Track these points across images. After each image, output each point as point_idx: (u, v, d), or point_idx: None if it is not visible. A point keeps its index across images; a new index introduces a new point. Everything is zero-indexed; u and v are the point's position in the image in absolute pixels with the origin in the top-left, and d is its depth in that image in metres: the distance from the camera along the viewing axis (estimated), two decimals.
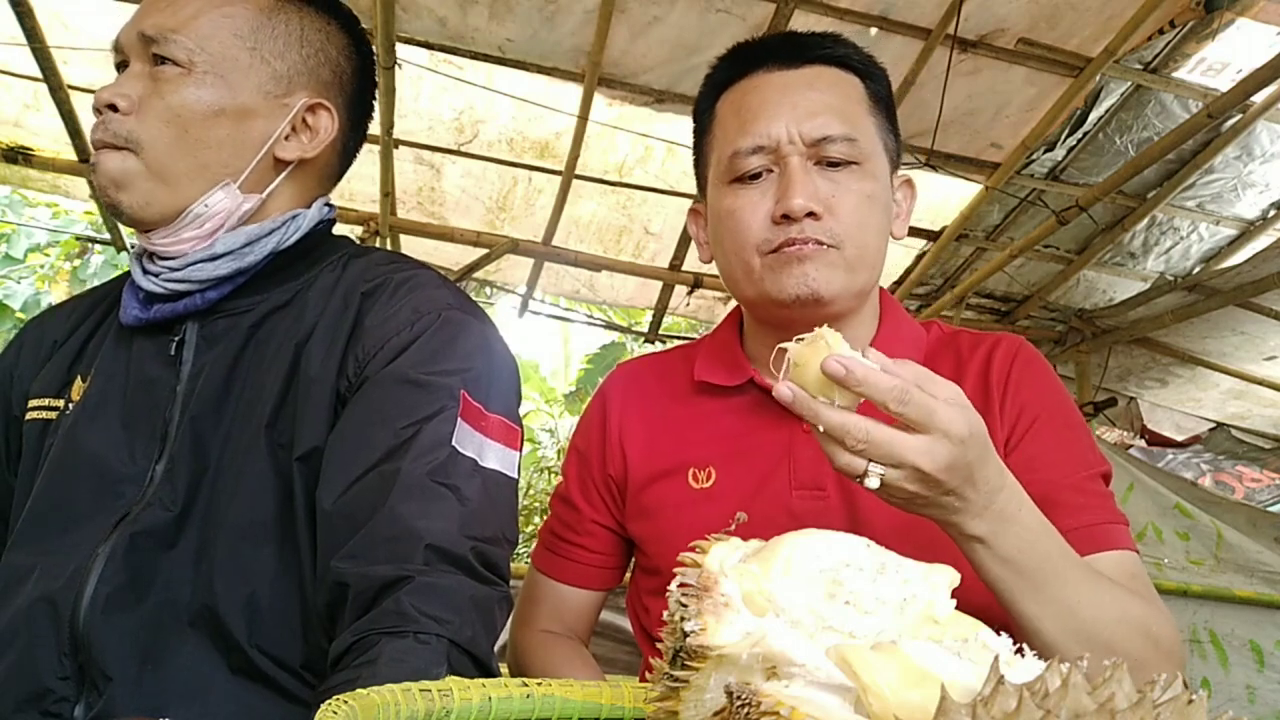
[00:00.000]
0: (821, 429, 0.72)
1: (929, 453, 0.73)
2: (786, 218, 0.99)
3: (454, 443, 0.92)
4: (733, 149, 1.04)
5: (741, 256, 1.04)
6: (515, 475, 0.99)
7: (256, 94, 1.03)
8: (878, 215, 1.04)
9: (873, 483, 0.74)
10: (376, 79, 1.20)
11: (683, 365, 1.21)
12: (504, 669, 1.21)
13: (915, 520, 0.85)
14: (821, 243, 1.00)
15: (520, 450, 1.01)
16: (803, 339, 0.74)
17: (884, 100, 1.10)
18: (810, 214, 0.99)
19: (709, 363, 1.17)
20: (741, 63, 1.09)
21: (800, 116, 1.01)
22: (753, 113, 1.04)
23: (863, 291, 1.06)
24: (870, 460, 0.73)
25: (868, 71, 1.09)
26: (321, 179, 1.13)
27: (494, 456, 0.95)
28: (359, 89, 1.16)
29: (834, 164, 1.02)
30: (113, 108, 0.99)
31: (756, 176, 1.03)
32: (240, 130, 1.02)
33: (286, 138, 1.06)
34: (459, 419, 0.93)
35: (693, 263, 4.24)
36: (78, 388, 1.05)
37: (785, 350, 0.74)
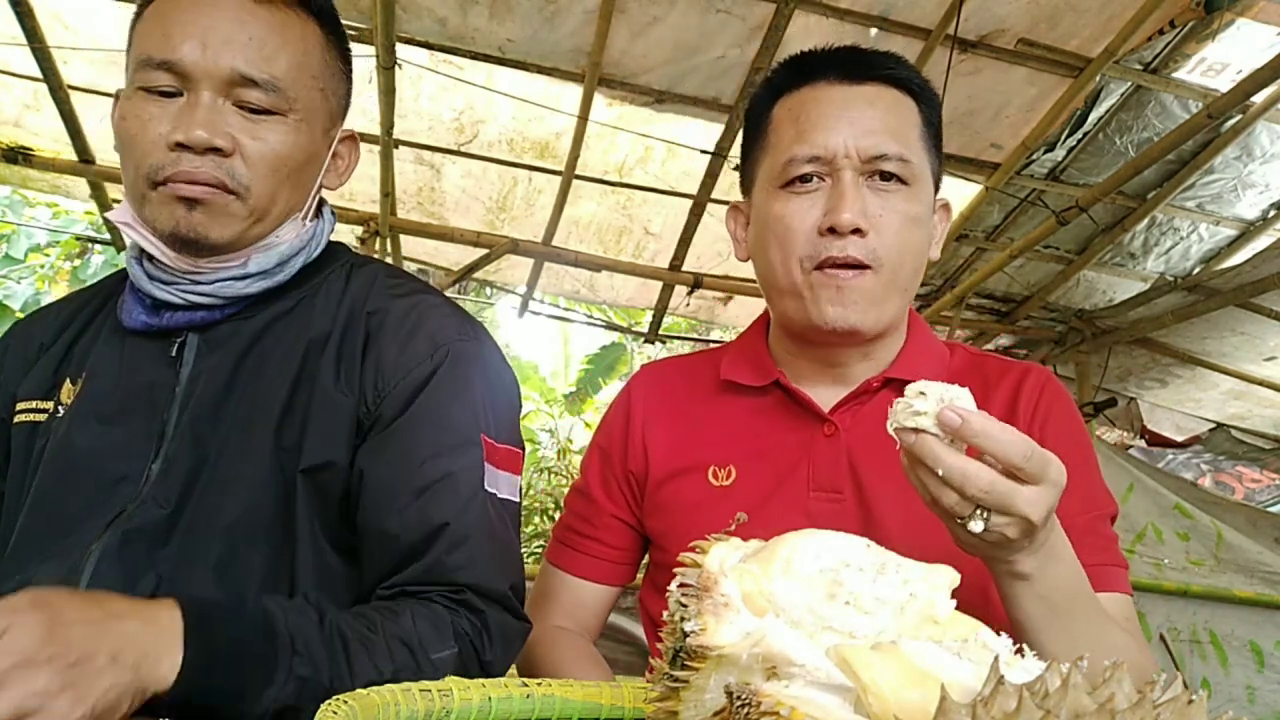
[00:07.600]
0: (941, 471, 0.72)
1: (1038, 502, 0.74)
2: (833, 230, 1.01)
3: (485, 486, 0.98)
4: (788, 155, 1.05)
5: (786, 266, 1.05)
6: (518, 499, 1.05)
7: (321, 133, 1.06)
8: (918, 238, 1.06)
9: (977, 526, 0.75)
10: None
11: (708, 366, 1.22)
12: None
13: (926, 525, 0.86)
14: (860, 265, 1.01)
15: (520, 473, 1.07)
16: (920, 393, 0.73)
17: (935, 124, 1.10)
18: (856, 230, 1.00)
19: (735, 363, 1.19)
20: (803, 71, 1.09)
21: (858, 132, 1.02)
22: (811, 122, 1.05)
23: (896, 316, 1.08)
24: (978, 506, 0.74)
25: (923, 95, 1.09)
26: None
27: (505, 486, 1.01)
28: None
29: (885, 183, 1.03)
30: (218, 151, 0.95)
31: (807, 182, 1.04)
32: (315, 169, 1.06)
33: (328, 169, 1.09)
34: (484, 462, 0.99)
35: (692, 263, 4.24)
36: (67, 390, 1.05)
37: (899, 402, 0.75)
